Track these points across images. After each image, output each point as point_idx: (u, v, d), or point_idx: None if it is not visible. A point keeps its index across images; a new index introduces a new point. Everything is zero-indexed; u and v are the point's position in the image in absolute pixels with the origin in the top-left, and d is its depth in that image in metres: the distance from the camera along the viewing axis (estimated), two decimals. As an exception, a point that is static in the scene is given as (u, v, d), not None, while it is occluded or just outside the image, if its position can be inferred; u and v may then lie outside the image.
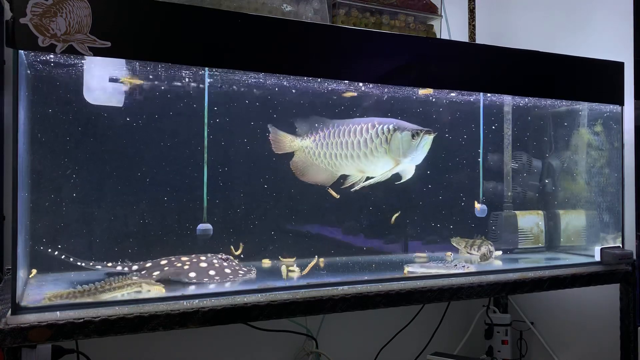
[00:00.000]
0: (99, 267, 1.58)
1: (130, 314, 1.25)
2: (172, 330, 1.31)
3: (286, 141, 1.85)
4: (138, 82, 1.65)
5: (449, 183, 2.15)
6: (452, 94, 1.95)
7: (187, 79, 1.68)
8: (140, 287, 1.39)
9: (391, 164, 1.79)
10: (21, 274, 1.30)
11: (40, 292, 1.38)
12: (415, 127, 1.76)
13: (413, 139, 1.75)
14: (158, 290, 1.40)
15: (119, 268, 1.58)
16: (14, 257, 1.22)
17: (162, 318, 1.28)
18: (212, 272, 1.56)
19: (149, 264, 1.58)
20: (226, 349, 2.03)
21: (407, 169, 1.83)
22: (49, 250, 1.54)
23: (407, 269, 1.72)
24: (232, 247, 1.74)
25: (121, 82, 1.62)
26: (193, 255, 1.62)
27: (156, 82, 1.68)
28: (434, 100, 2.03)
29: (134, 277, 1.42)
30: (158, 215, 1.73)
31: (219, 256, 1.64)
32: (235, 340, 2.04)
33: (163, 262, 1.59)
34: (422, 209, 2.12)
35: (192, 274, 1.53)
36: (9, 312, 1.19)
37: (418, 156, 1.78)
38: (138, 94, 1.66)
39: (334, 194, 1.84)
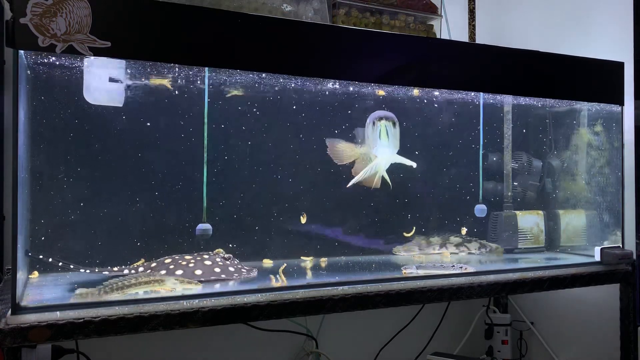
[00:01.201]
0: (106, 272, 1.57)
1: (130, 314, 1.25)
2: (172, 330, 1.31)
3: (347, 150, 1.84)
4: (138, 82, 1.65)
5: (448, 183, 2.15)
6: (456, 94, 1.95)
7: (187, 79, 1.68)
8: (172, 285, 1.42)
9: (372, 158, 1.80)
10: (21, 274, 1.31)
11: (41, 292, 1.38)
12: (382, 115, 1.75)
13: (373, 127, 1.73)
14: (194, 287, 1.43)
15: (125, 272, 1.57)
16: (14, 257, 1.22)
17: (162, 318, 1.28)
18: (217, 270, 1.57)
19: (154, 264, 1.59)
20: (226, 349, 2.03)
21: (383, 161, 1.82)
22: (50, 259, 1.52)
23: (405, 270, 1.72)
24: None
25: (121, 82, 1.61)
26: (196, 254, 1.63)
27: (157, 82, 1.68)
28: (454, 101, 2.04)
29: (162, 274, 1.45)
30: (159, 215, 1.73)
31: (221, 255, 1.65)
32: (235, 340, 2.04)
33: (167, 260, 1.59)
34: (419, 208, 2.12)
35: (199, 272, 1.54)
36: (9, 312, 1.19)
37: (381, 146, 1.75)
38: (139, 94, 1.66)
39: (303, 219, 1.83)
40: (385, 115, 1.74)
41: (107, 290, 1.34)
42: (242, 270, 1.62)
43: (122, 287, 1.35)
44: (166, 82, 1.68)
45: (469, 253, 2.04)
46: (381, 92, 1.86)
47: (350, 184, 1.84)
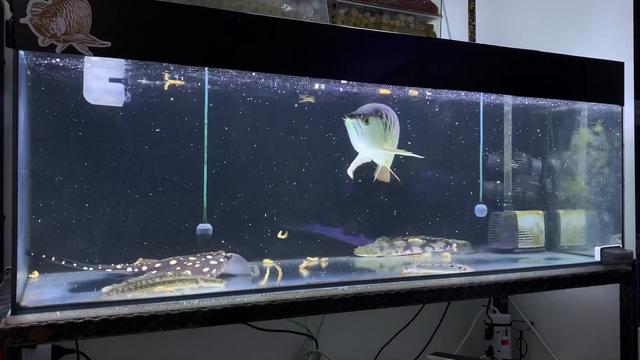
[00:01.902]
0: (109, 270, 1.57)
1: (130, 314, 1.25)
2: (172, 330, 1.31)
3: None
4: (138, 82, 1.65)
5: (448, 182, 2.15)
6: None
7: (187, 79, 1.68)
8: (197, 283, 1.44)
9: None
10: (21, 274, 1.31)
11: (41, 292, 1.38)
12: (354, 112, 1.78)
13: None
14: (218, 285, 1.45)
15: (129, 270, 1.58)
16: (14, 257, 1.22)
17: (162, 318, 1.28)
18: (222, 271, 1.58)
19: (158, 264, 1.59)
20: (226, 349, 2.03)
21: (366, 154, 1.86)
22: (52, 259, 1.53)
23: (405, 270, 1.72)
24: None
25: (121, 82, 1.61)
26: (199, 255, 1.63)
27: (157, 82, 1.68)
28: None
29: (188, 272, 1.48)
30: (160, 215, 1.73)
31: (223, 254, 1.65)
32: (235, 340, 2.04)
33: (173, 262, 1.59)
34: (412, 208, 2.12)
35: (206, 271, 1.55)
36: (9, 312, 1.19)
37: (353, 141, 1.80)
38: (139, 94, 1.66)
39: (281, 235, 1.84)
40: (356, 112, 1.77)
41: (131, 287, 1.36)
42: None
43: (146, 286, 1.37)
44: (167, 82, 1.68)
45: (434, 252, 2.02)
46: (386, 91, 1.86)
47: (350, 175, 1.87)
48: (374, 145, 1.81)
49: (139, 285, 1.36)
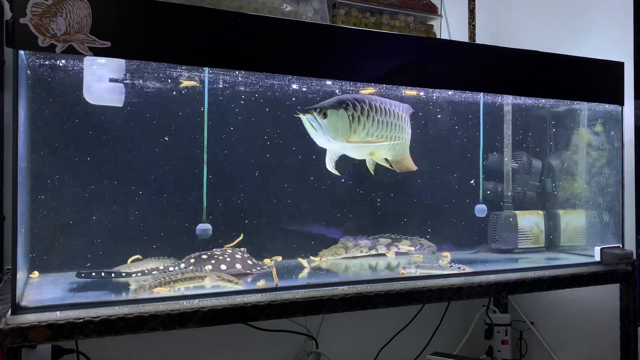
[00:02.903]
0: (156, 272, 1.56)
1: (130, 314, 1.25)
2: (172, 330, 1.31)
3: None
4: (139, 82, 1.65)
5: (449, 183, 2.15)
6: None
7: (187, 79, 1.68)
8: (218, 281, 1.46)
9: None
10: (21, 274, 1.31)
11: (41, 292, 1.38)
12: (308, 107, 1.69)
13: None
14: (235, 285, 1.47)
15: (171, 268, 1.58)
16: (14, 257, 1.22)
17: (162, 318, 1.28)
18: (250, 262, 1.61)
19: (192, 260, 1.61)
20: (226, 349, 2.03)
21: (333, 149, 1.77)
22: (93, 274, 1.52)
23: (404, 270, 1.72)
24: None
25: (121, 82, 1.61)
26: (220, 251, 1.65)
27: (157, 82, 1.68)
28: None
29: (210, 271, 1.51)
30: (162, 214, 1.73)
31: (234, 249, 1.68)
32: (235, 340, 2.04)
33: (204, 256, 1.61)
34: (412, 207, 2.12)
35: (239, 265, 1.57)
36: (9, 312, 1.19)
37: (312, 137, 1.71)
38: (139, 94, 1.66)
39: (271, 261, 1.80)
40: (311, 106, 1.67)
41: (155, 284, 1.38)
42: (259, 264, 1.68)
43: (168, 282, 1.39)
44: (166, 82, 1.68)
45: (398, 253, 1.97)
46: (369, 90, 1.83)
47: (332, 171, 1.80)
48: (337, 140, 1.68)
49: (163, 282, 1.40)
